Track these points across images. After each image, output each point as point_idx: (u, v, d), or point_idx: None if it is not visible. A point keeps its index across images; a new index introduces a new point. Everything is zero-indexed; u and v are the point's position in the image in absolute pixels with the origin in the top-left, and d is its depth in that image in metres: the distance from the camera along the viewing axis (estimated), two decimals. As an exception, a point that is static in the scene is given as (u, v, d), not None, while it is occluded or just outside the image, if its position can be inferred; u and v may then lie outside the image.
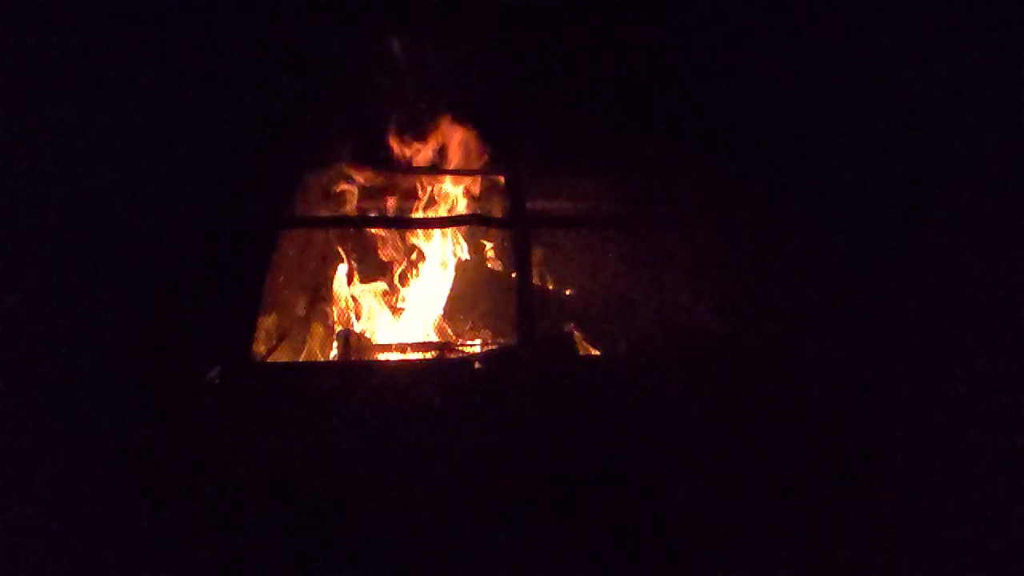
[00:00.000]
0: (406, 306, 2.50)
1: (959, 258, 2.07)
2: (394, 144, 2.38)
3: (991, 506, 1.66)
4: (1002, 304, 1.97)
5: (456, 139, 2.43)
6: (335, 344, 2.21)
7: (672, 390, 1.78)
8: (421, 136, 2.40)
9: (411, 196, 2.50)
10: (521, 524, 1.58)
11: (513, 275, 2.05)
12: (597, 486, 1.64)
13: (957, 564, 1.56)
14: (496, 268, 2.60)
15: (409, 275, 2.54)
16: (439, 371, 1.88)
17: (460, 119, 2.41)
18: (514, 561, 1.53)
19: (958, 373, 1.86)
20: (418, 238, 2.53)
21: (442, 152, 2.46)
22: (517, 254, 1.98)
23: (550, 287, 2.55)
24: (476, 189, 2.52)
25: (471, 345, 2.26)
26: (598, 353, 2.14)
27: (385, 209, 2.48)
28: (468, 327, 2.37)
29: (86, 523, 1.50)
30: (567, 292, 2.52)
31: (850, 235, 2.13)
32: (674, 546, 1.58)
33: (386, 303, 2.48)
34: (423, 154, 2.42)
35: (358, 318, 2.39)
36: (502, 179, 2.39)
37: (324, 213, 2.35)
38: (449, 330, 2.37)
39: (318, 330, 2.30)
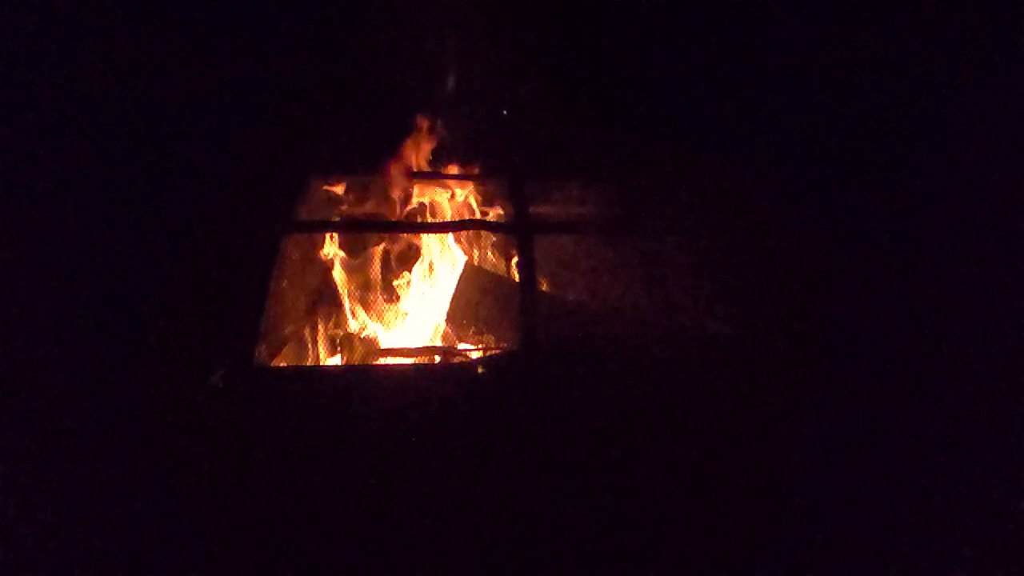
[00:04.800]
0: (409, 311, 2.49)
1: (963, 260, 2.07)
2: (398, 148, 2.39)
3: (993, 507, 1.65)
4: (1007, 306, 1.96)
5: (459, 144, 2.44)
6: (339, 348, 2.21)
7: (675, 394, 1.77)
8: (425, 141, 2.41)
9: (414, 200, 2.51)
10: (523, 527, 1.57)
11: (516, 280, 2.05)
12: (600, 490, 1.63)
13: (958, 564, 1.55)
14: (499, 273, 2.59)
15: (412, 280, 2.54)
16: (442, 376, 1.88)
17: (463, 123, 2.42)
18: (516, 563, 1.52)
19: (962, 373, 1.86)
20: (422, 243, 2.53)
21: (446, 157, 2.47)
22: (520, 259, 1.98)
23: (552, 292, 2.55)
24: (479, 194, 2.53)
25: (474, 350, 2.25)
26: (600, 358, 2.13)
27: (388, 214, 2.49)
28: (471, 332, 2.36)
29: (89, 525, 1.50)
30: (570, 297, 2.51)
31: (853, 237, 2.13)
32: (678, 549, 1.57)
33: (389, 308, 2.47)
34: (427, 159, 2.43)
35: (361, 323, 2.39)
36: (505, 184, 2.39)
37: (328, 217, 2.36)
38: (452, 335, 2.37)
39: (322, 334, 2.30)
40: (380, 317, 2.45)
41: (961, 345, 1.90)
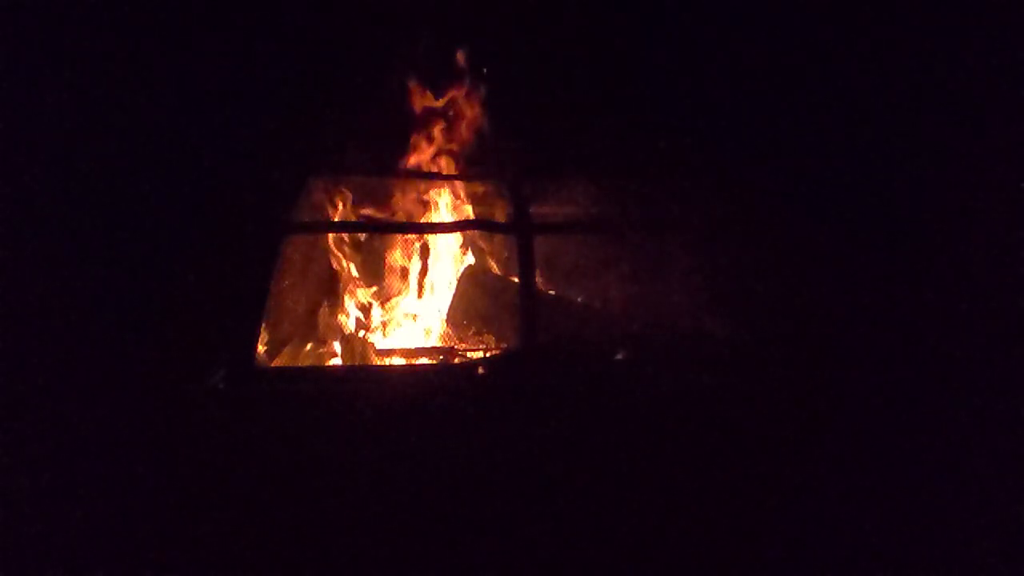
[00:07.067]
0: (410, 311, 2.50)
1: (964, 259, 2.07)
2: (398, 147, 2.39)
3: (995, 508, 1.65)
4: (1008, 304, 1.97)
5: (460, 144, 2.44)
6: (339, 349, 2.21)
7: (675, 393, 1.77)
8: (427, 140, 2.42)
9: (414, 201, 2.51)
10: (524, 527, 1.57)
11: (516, 280, 2.05)
12: (601, 491, 1.64)
13: (960, 565, 1.55)
14: (499, 273, 2.60)
15: (412, 280, 2.54)
16: (442, 376, 1.88)
17: (463, 124, 2.42)
18: (517, 563, 1.52)
19: (963, 372, 1.86)
20: (421, 243, 2.53)
21: (446, 157, 2.47)
22: (520, 259, 1.98)
23: (552, 292, 2.55)
24: (479, 194, 2.53)
25: (474, 350, 2.26)
26: (600, 358, 2.13)
27: (389, 214, 2.49)
28: (471, 332, 2.37)
29: (89, 526, 1.50)
30: (569, 297, 2.52)
31: (854, 237, 2.13)
32: (678, 550, 1.57)
33: (389, 308, 2.48)
34: (428, 158, 2.43)
35: (361, 323, 2.40)
36: (505, 184, 2.39)
37: (328, 217, 2.36)
38: (452, 335, 2.37)
39: (322, 335, 2.31)
40: (380, 317, 2.45)
41: (962, 344, 1.90)
